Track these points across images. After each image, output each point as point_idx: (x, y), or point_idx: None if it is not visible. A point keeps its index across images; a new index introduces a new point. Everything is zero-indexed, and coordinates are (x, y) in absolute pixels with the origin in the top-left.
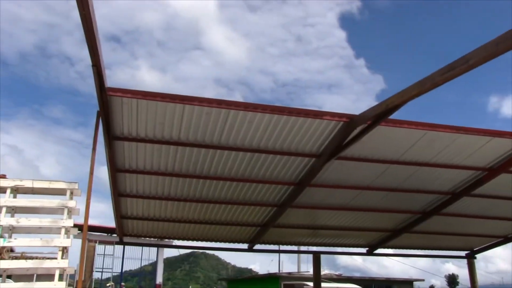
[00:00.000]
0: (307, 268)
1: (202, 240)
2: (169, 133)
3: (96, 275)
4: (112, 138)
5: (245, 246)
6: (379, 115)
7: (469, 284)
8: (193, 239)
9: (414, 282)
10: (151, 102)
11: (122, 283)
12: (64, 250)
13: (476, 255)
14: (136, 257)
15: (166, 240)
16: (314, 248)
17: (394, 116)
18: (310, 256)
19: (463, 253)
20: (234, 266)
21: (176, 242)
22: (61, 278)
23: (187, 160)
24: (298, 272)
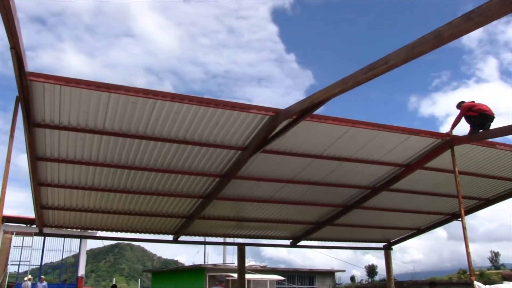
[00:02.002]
0: (233, 260)
1: (127, 231)
2: (93, 122)
3: (12, 269)
4: (32, 125)
5: (170, 237)
6: (304, 110)
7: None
8: (117, 230)
9: (336, 273)
10: (75, 89)
11: (42, 276)
12: None
13: (392, 247)
14: (57, 248)
15: (90, 231)
16: (240, 240)
17: (320, 111)
18: (236, 248)
19: (381, 245)
20: (160, 258)
21: (100, 233)
22: None
23: (111, 150)
24: (223, 263)
